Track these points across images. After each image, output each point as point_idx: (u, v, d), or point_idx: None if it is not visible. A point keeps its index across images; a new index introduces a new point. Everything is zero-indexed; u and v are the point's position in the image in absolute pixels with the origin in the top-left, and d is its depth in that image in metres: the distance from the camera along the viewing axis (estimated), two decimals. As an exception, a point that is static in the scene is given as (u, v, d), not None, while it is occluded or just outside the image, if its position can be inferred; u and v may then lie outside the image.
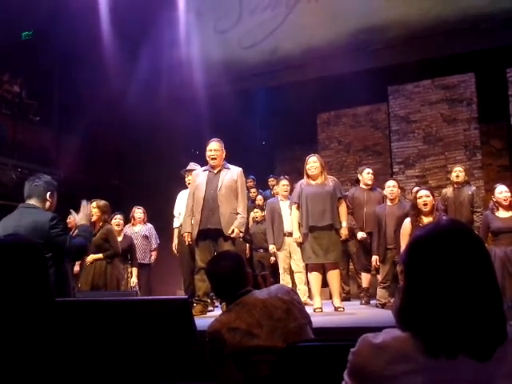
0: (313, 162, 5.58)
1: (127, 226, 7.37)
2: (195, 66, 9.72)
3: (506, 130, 8.90)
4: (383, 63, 8.77)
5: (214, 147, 5.53)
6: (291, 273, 6.71)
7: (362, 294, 6.72)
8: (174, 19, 10.02)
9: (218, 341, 2.37)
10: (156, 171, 9.41)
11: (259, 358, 2.32)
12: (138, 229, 7.39)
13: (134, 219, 7.45)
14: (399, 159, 9.45)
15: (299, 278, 6.51)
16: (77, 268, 6.60)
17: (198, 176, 5.65)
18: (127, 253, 6.56)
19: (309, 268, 5.69)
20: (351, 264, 7.20)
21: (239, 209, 5.44)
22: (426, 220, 4.93)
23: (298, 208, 5.58)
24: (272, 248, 6.68)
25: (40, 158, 8.88)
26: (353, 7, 8.84)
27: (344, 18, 8.95)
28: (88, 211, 3.94)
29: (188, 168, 6.66)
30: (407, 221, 5.14)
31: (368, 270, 6.49)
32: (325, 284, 5.80)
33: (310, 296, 6.07)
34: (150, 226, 7.57)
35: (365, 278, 6.60)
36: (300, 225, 5.55)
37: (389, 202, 6.06)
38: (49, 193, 3.61)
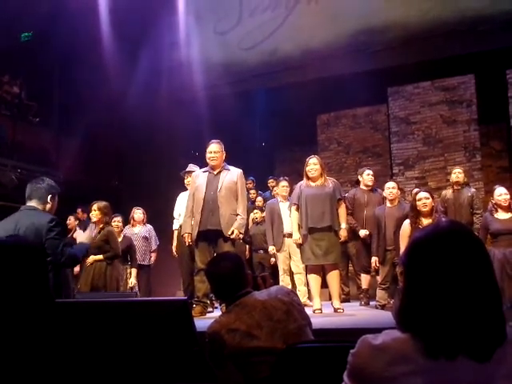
0: (313, 164, 5.58)
1: (127, 226, 7.38)
2: (195, 67, 9.73)
3: (506, 132, 8.90)
4: (383, 64, 8.77)
5: (214, 149, 5.54)
6: (291, 274, 6.71)
7: (361, 295, 6.72)
8: (173, 20, 10.03)
9: (218, 342, 2.37)
10: (156, 172, 9.41)
11: (259, 359, 2.32)
12: (138, 230, 7.39)
13: (134, 220, 7.45)
14: (399, 160, 9.45)
15: (299, 279, 6.51)
16: (77, 269, 6.61)
17: (197, 177, 5.66)
18: (126, 254, 6.56)
19: (308, 269, 5.69)
20: (351, 265, 7.19)
21: (239, 210, 5.45)
22: (426, 222, 4.94)
23: (298, 209, 5.59)
24: (272, 249, 6.68)
25: (40, 159, 8.89)
26: (352, 8, 8.85)
27: (344, 20, 8.95)
28: (93, 234, 4.00)
29: (187, 170, 6.67)
30: (406, 222, 5.15)
31: (367, 272, 6.49)
32: (324, 285, 5.80)
33: (310, 297, 6.07)
34: (149, 227, 7.58)
35: (364, 280, 6.60)
36: (299, 226, 5.56)
37: (388, 204, 6.06)
38: (50, 196, 3.62)
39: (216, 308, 6.03)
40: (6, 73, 8.87)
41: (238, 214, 5.43)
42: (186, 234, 5.51)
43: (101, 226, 5.65)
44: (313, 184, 5.57)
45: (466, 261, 1.18)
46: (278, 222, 6.72)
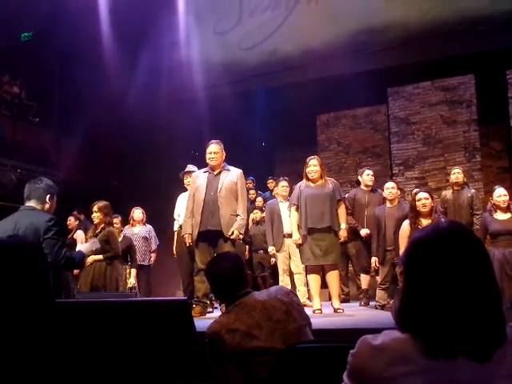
0: (313, 166, 5.57)
1: (126, 227, 7.38)
2: (195, 67, 9.73)
3: (506, 132, 8.90)
4: (383, 65, 8.77)
5: (214, 150, 5.54)
6: (291, 274, 6.71)
7: (361, 296, 6.72)
8: (173, 20, 10.03)
9: (218, 342, 2.37)
10: (156, 172, 9.41)
11: (259, 360, 2.32)
12: (138, 230, 7.40)
13: (133, 220, 7.45)
14: (399, 161, 9.45)
15: (299, 279, 6.51)
16: (77, 269, 6.60)
17: (197, 177, 5.66)
18: (126, 254, 6.57)
19: (308, 269, 5.70)
20: (350, 265, 7.19)
21: (239, 210, 5.45)
22: (425, 222, 4.94)
23: (297, 210, 5.59)
24: (271, 249, 6.68)
25: (40, 159, 8.89)
26: (352, 8, 8.85)
27: (344, 20, 8.96)
28: (93, 249, 4.00)
29: (186, 170, 6.67)
30: (406, 223, 5.15)
31: (367, 272, 6.49)
32: (324, 285, 5.80)
33: (310, 297, 6.08)
34: (149, 227, 7.58)
35: (364, 280, 6.60)
36: (299, 226, 5.56)
37: (388, 204, 6.05)
38: (48, 195, 3.62)
39: (216, 308, 6.03)
40: (6, 73, 8.87)
41: (238, 215, 5.43)
42: (187, 235, 5.51)
43: (102, 226, 5.66)
44: (312, 184, 5.57)
45: (466, 261, 1.18)
46: (278, 222, 6.72)
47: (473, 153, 8.94)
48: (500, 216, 5.45)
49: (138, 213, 7.47)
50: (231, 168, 5.62)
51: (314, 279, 5.56)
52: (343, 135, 10.26)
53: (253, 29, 9.78)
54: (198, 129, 8.59)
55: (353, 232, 6.59)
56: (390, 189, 6.05)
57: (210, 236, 5.41)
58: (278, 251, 6.67)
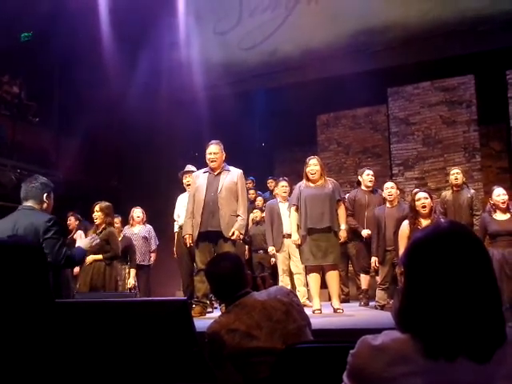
0: (313, 165, 5.58)
1: (126, 227, 7.38)
2: (195, 67, 9.73)
3: (506, 132, 8.90)
4: (383, 65, 8.77)
5: (214, 150, 5.54)
6: (290, 274, 6.70)
7: (361, 296, 6.72)
8: (173, 21, 10.03)
9: (218, 342, 2.37)
10: (155, 173, 9.41)
11: (258, 360, 2.32)
12: (138, 230, 7.39)
13: (133, 219, 7.45)
14: (398, 161, 9.45)
15: (298, 279, 6.51)
16: (77, 269, 6.60)
17: (198, 178, 5.66)
18: (125, 254, 6.56)
19: (308, 270, 5.70)
20: (350, 266, 7.19)
21: (239, 211, 5.45)
22: (425, 222, 4.94)
23: (297, 210, 5.59)
24: (271, 249, 6.68)
25: (39, 159, 8.89)
26: (352, 9, 8.85)
27: (343, 20, 8.96)
28: (94, 244, 3.99)
29: (185, 170, 6.66)
30: (405, 223, 5.15)
31: (367, 272, 6.49)
32: (324, 285, 5.80)
33: (309, 297, 6.07)
34: (149, 227, 7.57)
35: (364, 280, 6.60)
36: (299, 227, 5.56)
37: (388, 204, 6.06)
38: (45, 194, 3.61)
39: (215, 308, 6.03)
40: (6, 73, 8.86)
41: (238, 215, 5.43)
42: (187, 236, 5.51)
43: (103, 226, 5.66)
44: (312, 184, 5.57)
45: (467, 261, 1.18)
46: (278, 222, 6.72)
47: (472, 153, 8.94)
48: (499, 216, 5.45)
49: (137, 213, 7.47)
50: (231, 168, 5.62)
51: (314, 279, 5.56)
52: (343, 135, 10.26)
53: (253, 29, 9.78)
54: (198, 129, 8.59)
55: (353, 232, 6.59)
56: (389, 189, 6.05)
57: (210, 236, 5.41)
58: (277, 251, 6.67)
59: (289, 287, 5.96)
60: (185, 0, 10.12)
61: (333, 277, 5.53)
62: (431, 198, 5.19)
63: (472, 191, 6.56)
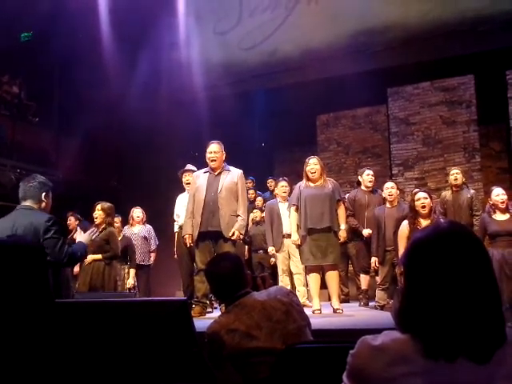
0: (313, 165, 5.59)
1: (126, 227, 7.38)
2: (195, 67, 9.72)
3: (506, 132, 8.90)
4: (383, 65, 8.77)
5: (214, 149, 5.54)
6: (290, 274, 6.70)
7: (360, 296, 6.72)
8: (173, 21, 10.03)
9: (217, 342, 2.37)
10: (155, 173, 9.40)
11: (258, 360, 2.32)
12: (138, 230, 7.39)
13: (133, 219, 7.45)
14: (398, 161, 9.45)
15: (298, 279, 6.51)
16: (76, 269, 6.60)
17: (198, 178, 5.66)
18: (125, 253, 6.56)
19: (307, 270, 5.70)
20: (350, 266, 7.19)
21: (239, 211, 5.45)
22: (424, 222, 4.94)
23: (297, 210, 5.59)
24: (271, 250, 6.68)
25: (39, 159, 8.88)
26: (352, 9, 8.85)
27: (343, 20, 8.95)
28: (93, 237, 4.02)
29: (185, 168, 6.66)
30: (404, 223, 5.15)
31: (367, 272, 6.49)
32: (324, 286, 5.80)
33: (309, 298, 6.07)
34: (149, 227, 7.58)
35: (364, 280, 6.60)
36: (298, 227, 5.56)
37: (388, 204, 6.06)
38: (44, 193, 3.60)
39: (215, 308, 6.03)
40: (6, 73, 8.86)
41: (238, 215, 5.43)
42: (187, 235, 5.51)
43: (103, 226, 5.66)
44: (312, 184, 5.58)
45: (467, 262, 1.18)
46: (278, 222, 6.72)
47: (472, 153, 8.94)
48: (499, 217, 5.44)
49: (137, 213, 7.47)
50: (231, 168, 5.63)
51: (314, 279, 5.56)
52: (343, 135, 10.26)
53: (253, 29, 9.78)
54: (198, 129, 8.58)
55: (353, 232, 6.59)
56: (389, 189, 6.06)
57: (210, 236, 5.41)
58: (277, 251, 6.67)
59: (289, 287, 5.96)
60: (185, 0, 10.11)
61: (332, 277, 5.53)
62: (431, 198, 5.20)
63: (472, 191, 6.55)
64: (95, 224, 5.75)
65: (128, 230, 7.28)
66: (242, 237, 5.67)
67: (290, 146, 11.00)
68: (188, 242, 5.51)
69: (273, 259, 7.08)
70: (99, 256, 5.57)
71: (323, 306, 5.53)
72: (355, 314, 5.46)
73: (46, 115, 9.42)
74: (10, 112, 8.94)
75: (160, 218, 7.81)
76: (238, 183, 5.53)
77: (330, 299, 5.75)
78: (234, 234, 5.32)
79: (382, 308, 5.85)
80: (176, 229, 6.52)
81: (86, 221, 7.40)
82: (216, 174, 5.55)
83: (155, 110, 9.29)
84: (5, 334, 1.59)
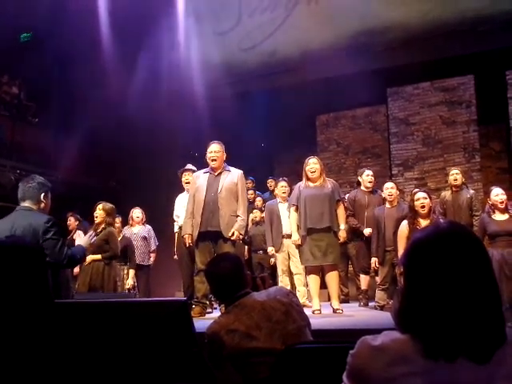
0: (313, 164, 5.60)
1: (126, 227, 7.38)
2: (195, 68, 9.72)
3: (505, 133, 8.90)
4: (382, 65, 8.77)
5: (215, 149, 5.55)
6: (290, 274, 6.70)
7: (360, 296, 6.72)
8: (173, 21, 10.03)
9: (217, 343, 2.37)
10: (155, 173, 9.40)
11: (258, 360, 2.32)
12: (137, 230, 7.39)
13: (133, 220, 7.45)
14: (398, 161, 9.45)
15: (298, 279, 6.51)
16: (77, 269, 6.60)
17: (198, 178, 5.67)
18: (125, 254, 6.56)
19: (307, 270, 5.70)
20: (350, 266, 7.19)
21: (239, 211, 5.45)
22: (424, 223, 4.94)
23: (297, 210, 5.59)
24: (271, 250, 6.69)
25: (38, 160, 8.89)
26: (352, 9, 8.84)
27: (343, 20, 8.95)
28: (92, 241, 4.06)
29: (185, 168, 6.65)
30: (404, 223, 5.15)
31: (367, 272, 6.49)
32: (324, 286, 5.80)
33: (309, 298, 6.07)
34: (148, 227, 7.57)
35: (364, 280, 6.60)
36: (298, 227, 5.56)
37: (388, 205, 6.06)
38: (43, 194, 3.59)
39: (215, 309, 6.03)
40: (5, 73, 8.86)
41: (238, 216, 5.43)
42: (187, 235, 5.51)
43: (102, 226, 5.66)
44: (312, 185, 5.58)
45: (467, 262, 1.17)
46: (277, 222, 6.72)
47: (472, 153, 8.95)
48: (498, 217, 5.43)
49: (137, 213, 7.47)
50: (232, 169, 5.63)
51: (314, 280, 5.56)
52: (343, 136, 10.26)
53: (252, 29, 9.78)
54: (198, 129, 8.58)
55: (353, 232, 6.59)
56: (389, 189, 6.06)
57: (210, 236, 5.41)
58: (277, 252, 6.67)
59: (288, 287, 5.96)
60: (184, 1, 10.11)
61: (332, 277, 5.53)
62: (430, 198, 5.20)
63: (471, 192, 6.54)
64: (95, 223, 5.75)
65: (128, 231, 7.28)
66: (241, 237, 5.67)
67: (290, 146, 10.98)
68: (188, 241, 5.51)
69: (272, 259, 7.07)
70: (99, 256, 5.56)
71: (323, 306, 5.52)
72: (355, 314, 5.46)
73: (46, 116, 9.43)
74: (9, 112, 8.96)
75: (160, 218, 7.80)
76: (238, 183, 5.53)
77: (329, 299, 5.75)
78: (233, 234, 5.32)
79: (382, 308, 5.85)
80: (176, 229, 6.52)
81: (86, 221, 7.40)
82: (216, 174, 5.55)
83: (155, 110, 9.29)
84: (4, 334, 1.59)
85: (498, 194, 5.45)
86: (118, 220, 7.00)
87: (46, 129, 9.51)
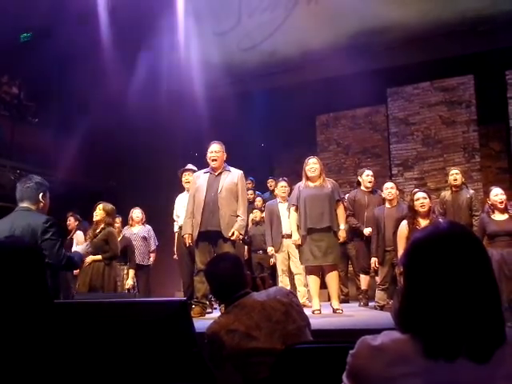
0: (313, 164, 5.61)
1: (126, 227, 7.38)
2: (195, 68, 9.71)
3: (505, 133, 8.90)
4: (382, 65, 8.77)
5: (215, 149, 5.56)
6: (290, 274, 6.70)
7: (360, 296, 6.72)
8: (173, 22, 10.02)
9: (217, 343, 2.37)
10: (155, 173, 9.40)
11: (258, 360, 2.32)
12: (137, 230, 7.39)
13: (133, 220, 7.45)
14: (398, 161, 9.45)
15: (299, 279, 6.51)
16: (77, 270, 6.59)
17: (198, 178, 5.67)
18: (125, 254, 6.56)
19: (307, 270, 5.70)
20: (350, 266, 7.19)
21: (239, 211, 5.46)
22: (423, 222, 4.94)
23: (297, 210, 5.60)
24: (270, 250, 6.69)
25: (38, 160, 8.88)
26: (352, 9, 8.83)
27: (343, 20, 8.94)
28: (87, 249, 4.15)
29: (185, 168, 6.65)
30: (403, 223, 5.15)
31: (367, 272, 6.49)
32: (324, 286, 5.80)
33: (310, 298, 6.07)
34: (148, 227, 7.57)
35: (363, 280, 6.60)
36: (298, 227, 5.56)
37: (387, 204, 6.06)
38: (41, 194, 3.58)
39: (215, 309, 6.03)
40: (5, 73, 8.86)
41: (238, 216, 5.43)
42: (187, 235, 5.51)
43: (102, 225, 5.66)
44: (312, 184, 5.58)
45: (466, 262, 1.18)
46: (277, 222, 6.72)
47: (472, 153, 8.95)
48: (497, 217, 5.43)
49: (137, 213, 7.47)
50: (232, 169, 5.64)
51: (314, 280, 5.56)
52: (342, 136, 10.26)
53: (252, 29, 9.77)
54: (198, 129, 8.58)
55: (353, 232, 6.59)
56: (389, 189, 6.06)
57: (210, 236, 5.41)
58: (276, 252, 6.68)
59: (288, 287, 5.96)
60: (184, 1, 10.11)
61: (332, 277, 5.53)
62: (430, 198, 5.20)
63: (471, 191, 6.54)
64: (95, 221, 5.75)
65: (127, 231, 7.28)
66: (241, 237, 5.68)
67: (290, 146, 10.99)
68: (188, 241, 5.51)
69: (272, 259, 7.08)
70: (99, 257, 5.56)
71: (323, 306, 5.52)
72: (355, 314, 5.46)
73: (46, 116, 9.42)
74: (9, 113, 8.95)
75: (159, 218, 7.80)
76: (239, 184, 5.54)
77: (329, 299, 5.75)
78: (233, 234, 5.32)
79: (382, 308, 5.85)
80: (176, 229, 6.52)
81: (86, 221, 7.39)
82: (216, 174, 5.56)
83: (155, 110, 9.29)
84: (3, 335, 1.59)
85: (497, 194, 5.45)
86: (118, 220, 7.00)
87: (45, 129, 9.51)
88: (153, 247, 7.54)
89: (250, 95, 9.72)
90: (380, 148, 9.93)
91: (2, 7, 7.66)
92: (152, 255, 7.55)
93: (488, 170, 9.43)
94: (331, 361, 1.59)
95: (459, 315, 1.14)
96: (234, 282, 2.56)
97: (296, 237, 5.57)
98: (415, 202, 5.08)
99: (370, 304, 6.41)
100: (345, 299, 7.01)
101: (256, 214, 7.73)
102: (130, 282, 6.61)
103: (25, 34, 9.06)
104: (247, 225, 6.80)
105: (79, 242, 6.76)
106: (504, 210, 5.41)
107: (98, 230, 5.64)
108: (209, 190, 5.49)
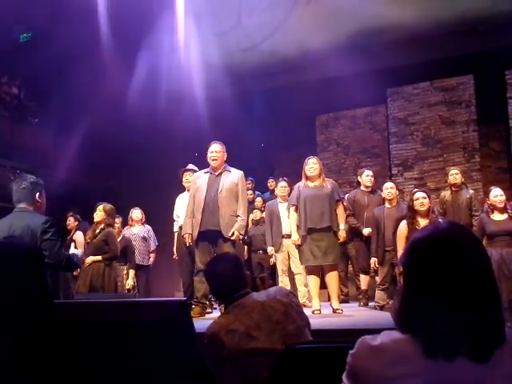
0: (312, 163, 5.62)
1: (126, 227, 7.38)
2: (194, 68, 9.71)
3: (505, 133, 8.90)
4: (382, 65, 8.76)
5: (216, 149, 5.57)
6: (290, 274, 6.70)
7: (360, 296, 6.72)
8: (173, 22, 10.02)
9: (217, 343, 2.37)
10: (155, 173, 9.40)
11: (258, 360, 2.32)
12: (137, 230, 7.39)
13: (132, 220, 7.45)
14: (398, 161, 9.45)
15: (299, 279, 6.52)
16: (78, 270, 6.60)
17: (198, 178, 5.68)
18: (124, 254, 6.56)
19: (307, 270, 5.70)
20: (350, 266, 7.19)
21: (239, 211, 5.46)
22: (423, 222, 4.94)
23: (296, 210, 5.60)
24: (270, 250, 6.69)
25: (38, 160, 8.88)
26: (352, 9, 8.82)
27: (343, 20, 8.94)
28: (82, 258, 4.29)
29: (186, 168, 6.66)
30: (403, 223, 5.15)
31: (367, 272, 6.49)
32: (323, 286, 5.80)
33: (310, 298, 6.07)
34: (148, 227, 7.57)
35: (363, 280, 6.60)
36: (298, 227, 5.57)
37: (387, 204, 6.06)
38: (37, 194, 3.57)
39: (215, 309, 6.03)
40: (5, 73, 8.86)
41: (238, 216, 5.44)
42: (187, 235, 5.52)
43: (102, 226, 5.66)
44: (311, 184, 5.58)
45: (466, 262, 1.18)
46: (277, 222, 6.73)
47: (472, 153, 8.95)
48: (497, 217, 5.44)
49: (136, 213, 7.47)
50: (232, 169, 5.65)
51: (314, 280, 5.56)
52: (342, 136, 10.26)
53: (252, 29, 9.76)
54: (198, 129, 8.58)
55: (353, 232, 6.59)
56: (389, 189, 6.07)
57: (210, 236, 5.41)
58: (276, 252, 6.68)
59: (288, 287, 5.97)
60: (184, 1, 10.11)
61: (332, 277, 5.53)
62: (429, 197, 5.20)
63: (471, 191, 6.55)
64: (95, 222, 5.76)
65: (127, 231, 7.28)
66: (241, 237, 5.68)
67: (290, 146, 10.98)
68: (188, 241, 5.51)
69: (272, 259, 7.08)
70: (99, 257, 5.57)
71: (323, 306, 5.52)
72: (355, 314, 5.46)
73: (46, 116, 9.41)
74: (9, 113, 8.95)
75: (159, 218, 7.80)
76: (239, 184, 5.54)
77: (329, 299, 5.75)
78: (233, 234, 5.32)
79: (382, 308, 5.85)
80: (176, 229, 6.52)
81: (86, 221, 7.39)
82: (216, 174, 5.56)
83: (155, 110, 9.29)
84: (2, 335, 1.59)
85: (496, 195, 5.46)
86: (118, 220, 7.00)
87: (45, 129, 9.50)
88: (153, 247, 7.54)
89: (249, 95, 9.72)
90: (380, 148, 9.93)
91: (1, 7, 7.65)
92: (152, 255, 7.55)
93: (488, 170, 9.43)
94: (331, 361, 1.59)
95: (459, 315, 1.14)
96: (234, 282, 2.56)
97: (295, 237, 5.57)
98: (415, 202, 5.08)
99: (370, 304, 6.41)
100: (345, 299, 7.01)
101: (256, 214, 7.73)
102: (130, 283, 6.61)
103: (25, 34, 9.05)
104: (247, 225, 6.80)
105: (79, 243, 6.77)
106: (503, 210, 5.42)
107: (97, 231, 5.64)
108: (209, 189, 5.50)
